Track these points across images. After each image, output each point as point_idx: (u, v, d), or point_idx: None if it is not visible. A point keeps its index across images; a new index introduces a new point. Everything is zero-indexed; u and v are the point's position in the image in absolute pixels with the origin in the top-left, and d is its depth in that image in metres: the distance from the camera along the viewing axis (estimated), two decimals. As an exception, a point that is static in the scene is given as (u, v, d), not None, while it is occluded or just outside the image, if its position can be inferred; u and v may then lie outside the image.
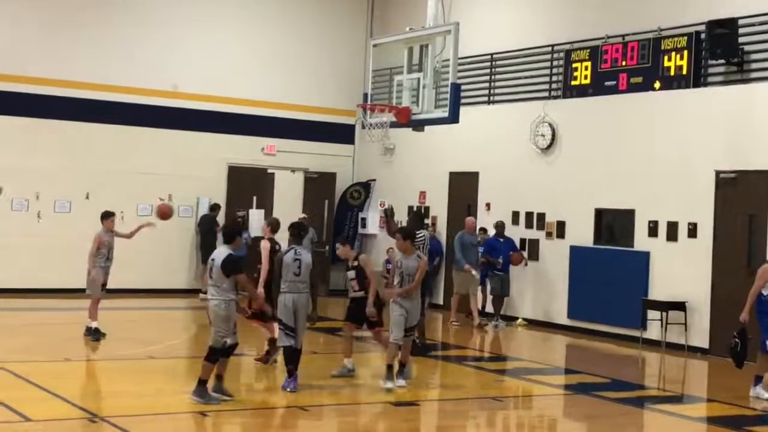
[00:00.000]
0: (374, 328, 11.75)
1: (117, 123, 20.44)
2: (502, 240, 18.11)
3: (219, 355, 9.98)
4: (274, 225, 12.31)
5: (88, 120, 20.15)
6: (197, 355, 13.07)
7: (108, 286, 14.17)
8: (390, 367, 10.92)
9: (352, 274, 11.63)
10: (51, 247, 18.89)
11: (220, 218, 21.59)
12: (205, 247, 21.37)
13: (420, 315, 11.60)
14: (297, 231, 11.24)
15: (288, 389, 10.47)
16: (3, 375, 11.14)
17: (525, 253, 18.17)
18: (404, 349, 11.17)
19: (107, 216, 14.19)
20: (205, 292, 21.37)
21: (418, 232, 12.69)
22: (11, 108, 19.46)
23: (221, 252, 10.16)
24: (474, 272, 17.83)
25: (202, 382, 9.88)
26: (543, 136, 18.50)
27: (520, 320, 18.21)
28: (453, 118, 13.85)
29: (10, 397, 9.83)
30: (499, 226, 18.23)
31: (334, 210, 23.13)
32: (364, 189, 23.07)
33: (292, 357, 10.58)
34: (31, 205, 19.36)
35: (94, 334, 13.71)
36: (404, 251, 11.17)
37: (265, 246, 12.02)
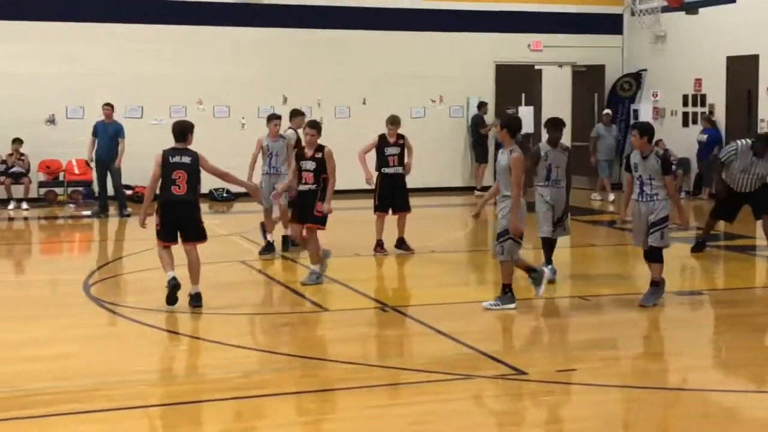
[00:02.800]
0: (317, 225, 10.80)
1: (387, 29, 21.01)
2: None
3: None
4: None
5: (359, 27, 20.85)
6: (477, 249, 13.53)
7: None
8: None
9: (310, 164, 10.78)
10: (333, 150, 19.83)
11: (489, 117, 21.82)
12: (477, 145, 21.78)
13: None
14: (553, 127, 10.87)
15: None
16: (300, 269, 12.01)
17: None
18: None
19: (269, 119, 13.06)
20: (480, 189, 21.96)
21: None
22: (284, 20, 20.46)
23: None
24: None
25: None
26: (831, 11, 17.21)
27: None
28: (730, -4, 13.16)
29: (308, 289, 10.63)
30: None
31: (604, 103, 22.72)
32: (634, 80, 22.45)
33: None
34: (313, 112, 20.41)
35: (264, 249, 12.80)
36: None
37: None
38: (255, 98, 20.16)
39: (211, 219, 17.67)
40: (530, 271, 9.68)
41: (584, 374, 7.41)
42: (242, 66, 20.13)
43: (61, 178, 19.49)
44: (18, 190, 18.56)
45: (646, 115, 21.57)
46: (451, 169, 21.46)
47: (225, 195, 19.49)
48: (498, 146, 21.97)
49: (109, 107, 17.65)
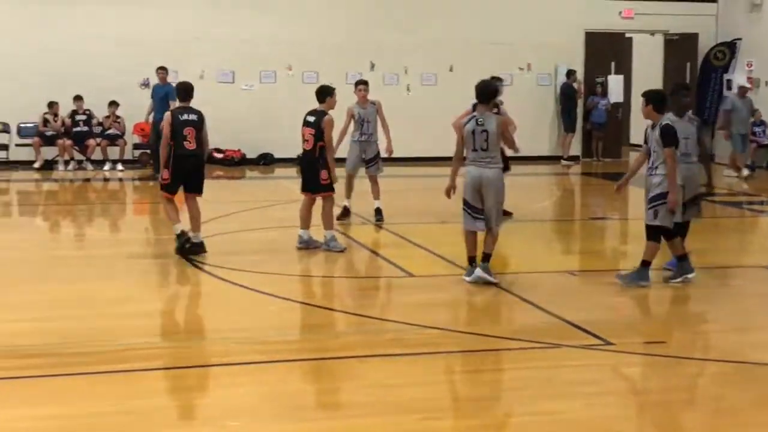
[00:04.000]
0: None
1: (476, -5, 20.89)
2: None
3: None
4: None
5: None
6: (563, 218, 13.43)
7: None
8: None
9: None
10: (420, 117, 19.84)
11: (577, 86, 21.58)
12: (565, 114, 21.56)
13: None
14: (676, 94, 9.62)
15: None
16: (387, 235, 12.14)
17: None
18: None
19: (356, 85, 13.08)
20: (567, 158, 21.78)
21: None
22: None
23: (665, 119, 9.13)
24: None
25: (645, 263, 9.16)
26: None
27: None
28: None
29: (395, 254, 10.74)
30: None
31: (697, 72, 22.26)
32: (728, 49, 21.93)
33: None
34: (400, 78, 20.46)
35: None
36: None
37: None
38: (343, 64, 20.24)
39: (298, 183, 17.92)
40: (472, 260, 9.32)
41: (673, 347, 7.38)
42: (331, 31, 20.22)
43: (153, 140, 19.91)
44: (113, 152, 19.04)
45: (740, 84, 21.09)
46: (537, 138, 21.30)
47: (312, 160, 19.65)
48: (587, 115, 21.82)
49: (162, 70, 17.94)
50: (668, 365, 6.99)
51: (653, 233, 9.11)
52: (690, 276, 9.25)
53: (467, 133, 9.13)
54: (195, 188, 10.62)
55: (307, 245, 10.84)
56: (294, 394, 6.23)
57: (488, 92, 9.24)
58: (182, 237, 10.41)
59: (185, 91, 10.63)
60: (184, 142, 10.33)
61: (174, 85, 17.62)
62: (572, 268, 10.39)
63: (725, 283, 9.39)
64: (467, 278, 9.24)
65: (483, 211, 9.14)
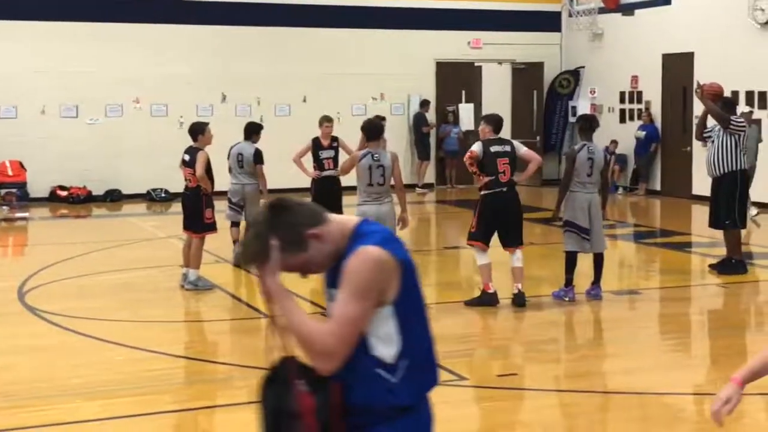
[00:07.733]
0: None
1: (327, 26, 20.88)
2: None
3: None
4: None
5: (299, 25, 20.68)
6: (423, 249, 13.49)
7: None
8: None
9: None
10: (272, 150, 19.67)
11: (430, 115, 21.86)
12: (419, 143, 21.79)
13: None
14: (588, 125, 10.06)
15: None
16: (240, 274, 11.90)
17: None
18: None
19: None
20: (422, 186, 21.85)
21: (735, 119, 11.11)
22: (223, 17, 20.19)
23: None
24: None
25: None
26: (762, 10, 17.48)
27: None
28: (665, -2, 13.34)
29: (247, 295, 10.53)
30: None
31: (544, 100, 22.89)
32: (573, 77, 22.65)
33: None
34: (253, 110, 20.25)
35: None
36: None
37: None
38: (193, 96, 19.90)
39: (148, 221, 17.48)
40: None
41: (524, 379, 7.44)
42: (180, 64, 19.85)
43: (-6, 179, 19.07)
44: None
45: (583, 111, 21.77)
46: (392, 167, 21.39)
47: (163, 195, 19.21)
48: (440, 143, 22.11)
49: None
50: (520, 398, 7.05)
51: None
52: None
53: (363, 168, 9.35)
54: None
55: (195, 286, 10.55)
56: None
57: (377, 130, 9.74)
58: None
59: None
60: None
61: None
62: (426, 300, 10.39)
63: (573, 308, 9.54)
64: None
65: None
